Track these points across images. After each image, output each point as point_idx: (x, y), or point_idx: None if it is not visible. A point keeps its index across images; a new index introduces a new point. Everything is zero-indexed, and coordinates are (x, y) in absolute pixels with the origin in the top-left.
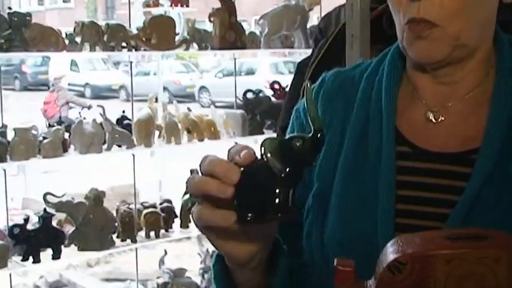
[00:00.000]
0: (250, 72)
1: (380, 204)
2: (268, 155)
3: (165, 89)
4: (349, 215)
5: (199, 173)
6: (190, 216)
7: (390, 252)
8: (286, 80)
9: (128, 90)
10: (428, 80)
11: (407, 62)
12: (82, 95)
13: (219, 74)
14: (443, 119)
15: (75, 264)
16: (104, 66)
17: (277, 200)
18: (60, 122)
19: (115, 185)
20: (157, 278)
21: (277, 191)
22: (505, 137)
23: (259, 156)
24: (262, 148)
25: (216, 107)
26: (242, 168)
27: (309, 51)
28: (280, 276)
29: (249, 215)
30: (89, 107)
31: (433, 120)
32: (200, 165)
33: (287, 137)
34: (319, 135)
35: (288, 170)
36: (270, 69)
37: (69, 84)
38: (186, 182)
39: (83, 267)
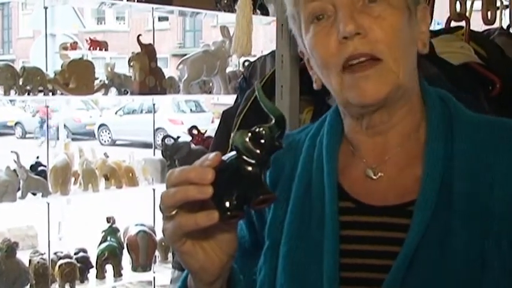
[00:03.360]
0: (152, 110)
1: (325, 259)
2: (243, 145)
3: (64, 126)
4: (296, 271)
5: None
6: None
7: None
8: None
9: (24, 127)
10: (364, 134)
11: (345, 120)
12: None
13: (120, 112)
14: (381, 174)
15: None
16: None
17: (256, 184)
18: None
19: (13, 226)
20: None
21: (255, 175)
22: (440, 188)
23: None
24: (235, 141)
25: (116, 145)
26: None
27: (227, 97)
28: None
29: (232, 206)
30: None
31: (373, 176)
32: (168, 180)
33: (253, 128)
34: (281, 120)
35: (263, 155)
36: (171, 107)
37: None
38: (161, 197)
39: None
